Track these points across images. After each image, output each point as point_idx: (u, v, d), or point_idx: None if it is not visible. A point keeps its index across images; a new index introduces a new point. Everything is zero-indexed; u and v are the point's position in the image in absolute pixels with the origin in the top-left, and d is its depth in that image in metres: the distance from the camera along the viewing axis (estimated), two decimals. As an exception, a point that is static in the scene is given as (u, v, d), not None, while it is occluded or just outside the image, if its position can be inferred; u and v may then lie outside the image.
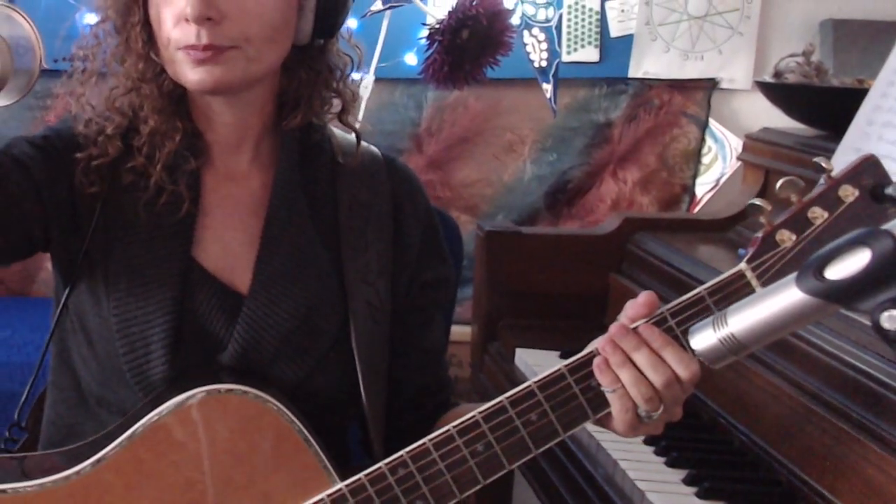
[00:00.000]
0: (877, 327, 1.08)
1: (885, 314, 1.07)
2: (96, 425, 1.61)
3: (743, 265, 1.39)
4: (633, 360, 1.40)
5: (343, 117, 1.69)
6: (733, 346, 1.23)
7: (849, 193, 1.37)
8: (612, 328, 1.41)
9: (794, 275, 1.16)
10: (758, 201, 1.39)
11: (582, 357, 1.42)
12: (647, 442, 1.86)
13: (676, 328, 1.40)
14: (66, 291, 1.63)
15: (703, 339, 1.25)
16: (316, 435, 1.50)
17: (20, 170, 1.57)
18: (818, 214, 1.38)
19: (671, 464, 1.78)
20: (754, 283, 1.39)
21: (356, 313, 1.62)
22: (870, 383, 1.61)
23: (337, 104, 1.69)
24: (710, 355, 1.26)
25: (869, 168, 1.38)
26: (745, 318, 1.22)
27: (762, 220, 1.39)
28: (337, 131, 1.73)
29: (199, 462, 1.47)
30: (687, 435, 1.88)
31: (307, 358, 1.60)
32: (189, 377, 1.53)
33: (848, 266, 1.11)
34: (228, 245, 1.64)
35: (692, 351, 1.33)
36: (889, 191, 1.36)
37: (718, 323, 1.24)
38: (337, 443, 1.68)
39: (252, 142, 1.65)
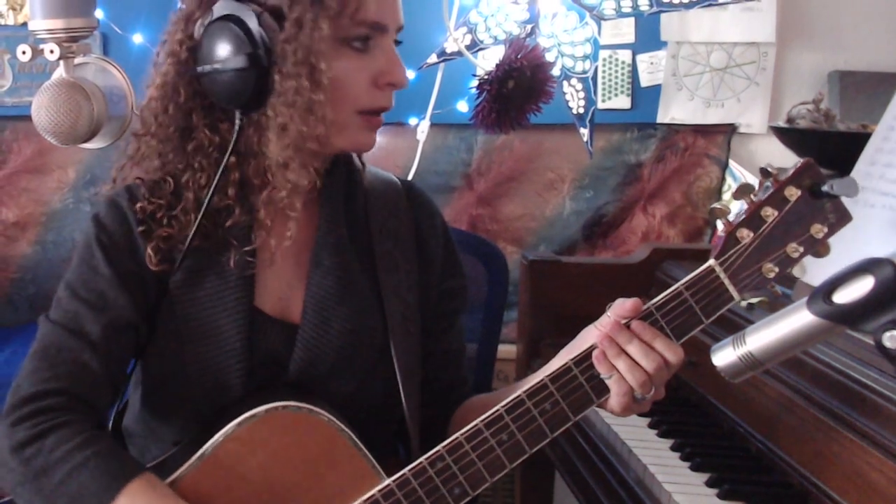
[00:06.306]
0: (879, 346, 1.09)
1: (887, 334, 1.09)
2: (155, 446, 1.65)
3: (712, 261, 1.47)
4: (626, 351, 1.47)
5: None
6: (751, 363, 1.24)
7: (793, 193, 1.45)
8: (607, 325, 1.48)
9: (805, 299, 1.18)
10: (718, 204, 1.49)
11: (584, 352, 1.49)
12: (674, 448, 1.86)
13: (661, 320, 1.47)
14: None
15: (724, 356, 1.27)
16: (364, 439, 1.52)
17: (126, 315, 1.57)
18: (770, 213, 1.45)
19: (695, 468, 1.78)
20: (723, 276, 1.46)
21: (394, 327, 1.65)
22: (872, 396, 1.61)
23: None
24: (730, 371, 1.27)
25: (807, 170, 1.46)
26: (761, 338, 1.23)
27: (722, 221, 1.48)
28: (368, 167, 1.74)
29: (264, 472, 1.49)
30: (709, 442, 1.89)
31: (357, 371, 1.62)
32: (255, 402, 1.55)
33: (853, 291, 1.12)
34: (282, 286, 1.64)
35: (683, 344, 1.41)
36: (825, 188, 1.43)
37: (737, 342, 1.26)
38: (383, 442, 1.71)
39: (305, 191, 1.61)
